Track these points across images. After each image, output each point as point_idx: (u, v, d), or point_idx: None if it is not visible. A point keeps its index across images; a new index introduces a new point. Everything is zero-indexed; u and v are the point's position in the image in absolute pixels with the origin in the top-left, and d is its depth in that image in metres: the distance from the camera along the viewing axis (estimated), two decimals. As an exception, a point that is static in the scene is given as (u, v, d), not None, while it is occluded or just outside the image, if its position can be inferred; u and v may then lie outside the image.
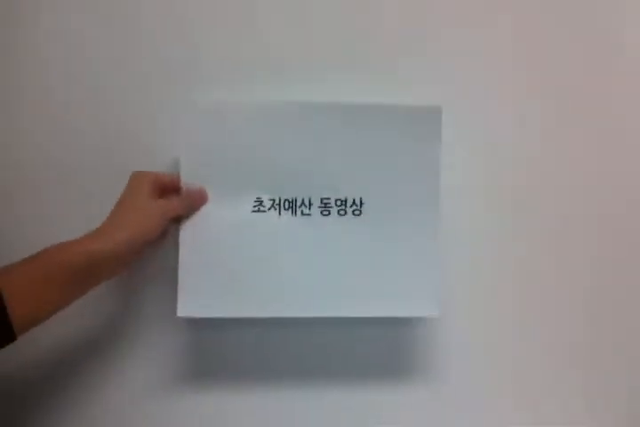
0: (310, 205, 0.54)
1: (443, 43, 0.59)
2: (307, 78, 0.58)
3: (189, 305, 0.52)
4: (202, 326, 0.58)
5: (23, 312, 0.43)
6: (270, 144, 0.53)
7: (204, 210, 0.53)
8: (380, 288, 0.53)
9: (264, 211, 0.54)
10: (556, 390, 0.60)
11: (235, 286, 0.53)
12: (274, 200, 0.54)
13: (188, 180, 0.53)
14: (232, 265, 0.53)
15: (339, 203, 0.54)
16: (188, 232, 0.53)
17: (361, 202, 0.54)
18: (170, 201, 0.52)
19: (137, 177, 0.52)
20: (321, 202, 0.54)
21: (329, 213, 0.54)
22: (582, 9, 0.59)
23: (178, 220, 0.53)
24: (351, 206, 0.54)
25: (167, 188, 0.53)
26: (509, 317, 0.59)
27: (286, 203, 0.54)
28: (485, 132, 0.59)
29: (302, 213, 0.54)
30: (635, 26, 0.60)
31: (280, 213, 0.54)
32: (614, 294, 0.60)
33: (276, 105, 0.53)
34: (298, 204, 0.54)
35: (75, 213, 0.57)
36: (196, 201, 0.53)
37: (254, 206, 0.54)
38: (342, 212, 0.54)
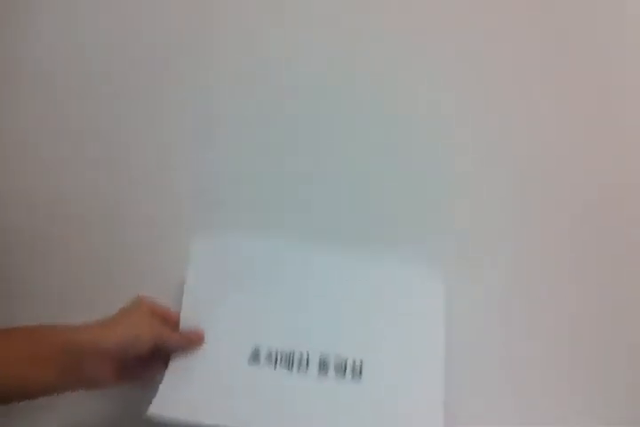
0: (308, 362, 0.52)
1: (442, 42, 0.59)
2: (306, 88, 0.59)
3: (164, 405, 0.49)
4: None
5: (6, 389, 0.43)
6: (271, 291, 0.53)
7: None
8: (376, 413, 0.50)
9: (257, 364, 0.52)
10: (554, 388, 0.59)
11: (220, 395, 0.51)
12: (271, 354, 0.52)
13: (186, 320, 0.53)
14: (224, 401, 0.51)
15: (338, 366, 0.52)
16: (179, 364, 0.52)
17: (361, 364, 0.52)
18: (166, 327, 0.51)
19: (139, 300, 0.51)
20: (319, 360, 0.52)
21: (326, 374, 0.52)
22: (582, 8, 0.59)
23: (167, 357, 0.52)
24: (351, 370, 0.52)
25: (166, 321, 0.52)
26: (510, 314, 0.59)
27: (283, 357, 0.52)
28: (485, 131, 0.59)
29: (299, 369, 0.52)
30: (636, 24, 0.60)
31: (275, 368, 0.52)
32: (617, 291, 0.59)
33: (279, 250, 0.54)
34: (295, 360, 0.52)
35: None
36: (192, 342, 0.53)
37: (250, 358, 0.52)
38: (340, 374, 0.52)
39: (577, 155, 0.59)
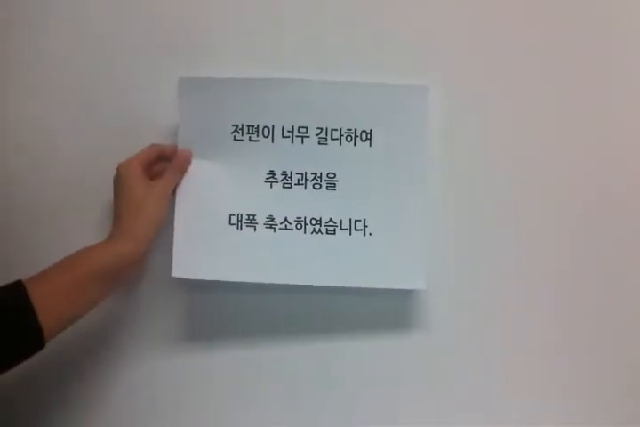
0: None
1: (440, 34, 0.59)
2: (305, 57, 0.59)
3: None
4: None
5: (53, 321, 0.45)
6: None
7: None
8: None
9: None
10: (554, 388, 0.59)
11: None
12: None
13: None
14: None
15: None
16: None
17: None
18: (165, 179, 0.53)
19: (123, 168, 0.52)
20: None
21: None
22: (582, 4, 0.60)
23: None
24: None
25: (152, 162, 0.54)
26: (509, 318, 0.59)
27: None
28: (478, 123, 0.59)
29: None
30: (636, 23, 0.60)
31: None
32: (617, 291, 0.59)
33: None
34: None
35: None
36: (185, 163, 0.55)
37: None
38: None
39: (577, 156, 0.60)
